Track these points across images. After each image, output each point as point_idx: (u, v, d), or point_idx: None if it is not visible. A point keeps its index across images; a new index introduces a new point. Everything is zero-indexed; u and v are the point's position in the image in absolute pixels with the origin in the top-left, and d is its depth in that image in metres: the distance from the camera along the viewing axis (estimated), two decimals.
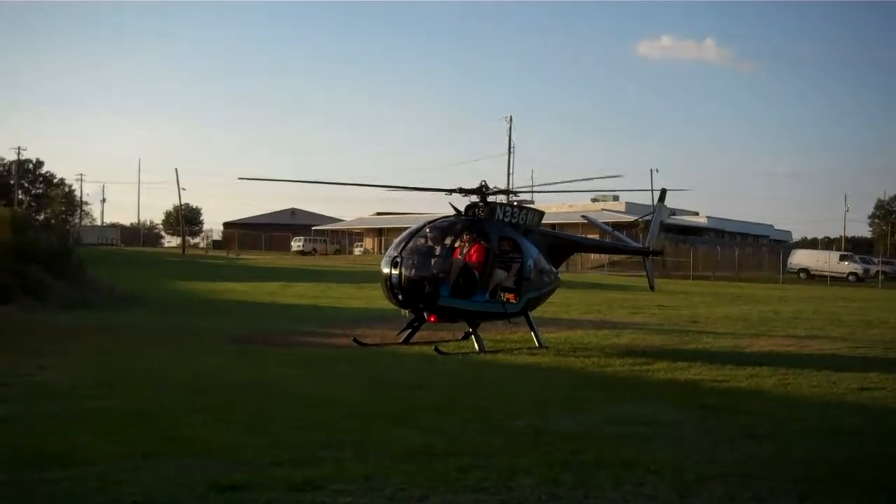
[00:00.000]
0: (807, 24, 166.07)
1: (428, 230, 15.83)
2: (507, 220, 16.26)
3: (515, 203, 17.33)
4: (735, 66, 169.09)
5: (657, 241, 20.81)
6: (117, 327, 18.01)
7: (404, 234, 15.86)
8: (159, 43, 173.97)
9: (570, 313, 24.53)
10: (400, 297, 15.06)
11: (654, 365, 13.85)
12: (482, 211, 16.16)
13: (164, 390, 10.57)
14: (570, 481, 6.60)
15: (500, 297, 15.87)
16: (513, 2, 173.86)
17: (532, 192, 19.30)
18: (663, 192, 20.93)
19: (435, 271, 14.85)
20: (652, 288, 21.82)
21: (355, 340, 16.19)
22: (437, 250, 15.34)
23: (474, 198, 16.44)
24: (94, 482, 6.34)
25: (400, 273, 14.88)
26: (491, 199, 16.46)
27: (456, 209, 16.46)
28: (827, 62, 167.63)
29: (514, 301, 15.99)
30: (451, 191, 16.66)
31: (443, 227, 15.88)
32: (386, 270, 15.18)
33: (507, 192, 17.26)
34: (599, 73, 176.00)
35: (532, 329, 16.25)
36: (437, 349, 15.06)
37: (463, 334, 16.59)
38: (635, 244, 21.94)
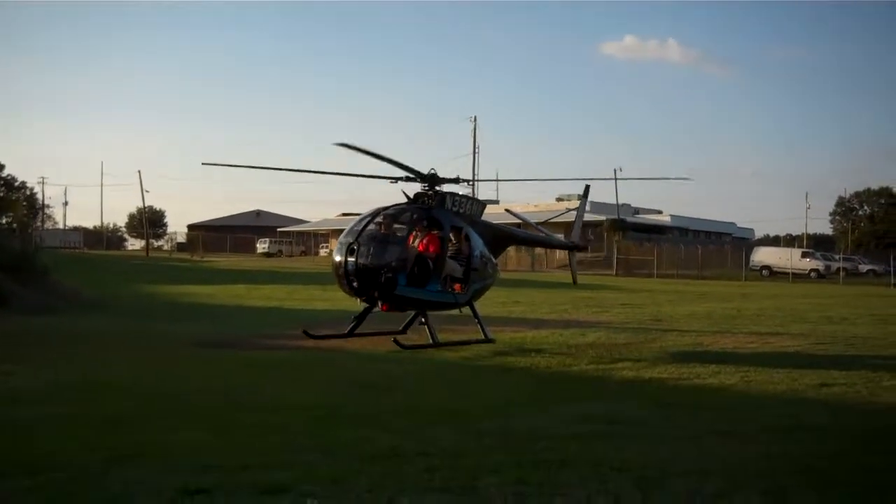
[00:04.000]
0: (772, 26, 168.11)
1: (381, 217, 15.27)
2: (455, 209, 16.11)
3: (462, 193, 17.15)
4: (700, 67, 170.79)
5: (581, 237, 22.07)
6: (82, 333, 17.83)
7: (356, 220, 15.44)
8: (121, 45, 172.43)
9: (537, 313, 24.65)
10: (355, 284, 14.64)
11: (620, 364, 13.98)
12: (431, 199, 15.93)
13: (130, 396, 10.50)
14: (537, 480, 6.67)
15: (449, 287, 15.79)
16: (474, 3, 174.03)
17: (475, 181, 19.28)
18: (587, 188, 21.57)
19: (394, 260, 14.53)
20: (574, 283, 22.68)
21: (305, 332, 16.34)
22: (394, 238, 15.00)
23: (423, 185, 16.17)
24: (62, 489, 6.32)
25: (356, 261, 14.45)
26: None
27: (407, 196, 16.13)
28: (791, 64, 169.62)
29: (461, 291, 15.89)
30: (398, 178, 16.16)
31: (396, 215, 15.54)
32: (339, 258, 14.75)
33: (456, 181, 16.99)
34: (565, 73, 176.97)
35: (477, 319, 16.19)
36: (396, 341, 15.01)
37: (405, 324, 16.59)
38: (561, 239, 22.31)
